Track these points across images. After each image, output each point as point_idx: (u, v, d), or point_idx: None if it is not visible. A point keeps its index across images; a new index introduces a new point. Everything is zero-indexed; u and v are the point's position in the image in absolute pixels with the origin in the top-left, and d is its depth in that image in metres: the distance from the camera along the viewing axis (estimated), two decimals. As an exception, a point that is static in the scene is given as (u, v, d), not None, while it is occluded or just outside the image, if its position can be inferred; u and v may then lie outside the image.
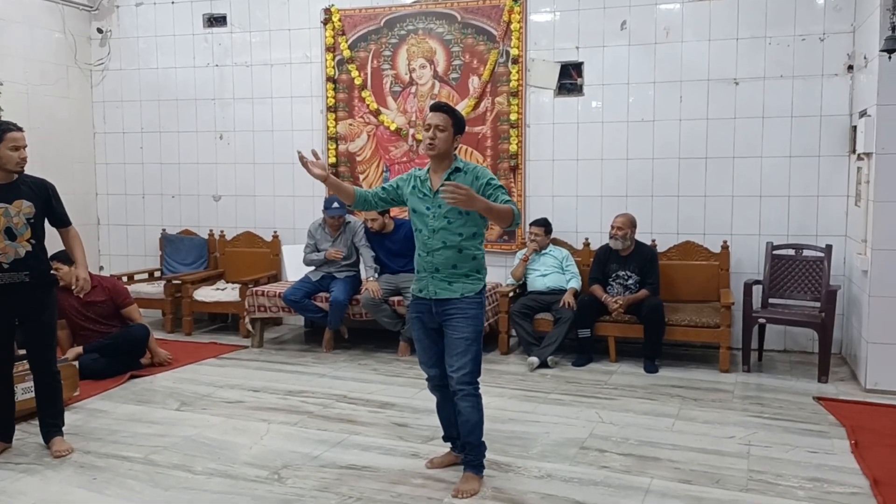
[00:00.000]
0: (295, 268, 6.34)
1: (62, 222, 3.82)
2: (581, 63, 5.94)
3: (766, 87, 5.56)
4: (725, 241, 5.66)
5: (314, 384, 4.95)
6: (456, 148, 3.27)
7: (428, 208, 3.23)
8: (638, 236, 5.53)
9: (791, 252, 5.40)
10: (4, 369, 3.74)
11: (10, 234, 3.58)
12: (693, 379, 5.01)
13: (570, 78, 5.99)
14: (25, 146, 3.61)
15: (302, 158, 3.23)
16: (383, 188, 3.40)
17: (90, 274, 4.04)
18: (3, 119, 3.81)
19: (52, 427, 3.81)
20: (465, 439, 3.28)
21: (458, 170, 3.24)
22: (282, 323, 6.80)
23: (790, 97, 5.52)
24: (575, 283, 5.62)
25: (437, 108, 3.25)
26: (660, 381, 4.96)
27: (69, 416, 4.04)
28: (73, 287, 3.82)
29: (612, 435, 3.92)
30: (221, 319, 6.93)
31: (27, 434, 3.93)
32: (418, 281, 3.30)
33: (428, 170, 3.32)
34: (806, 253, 5.34)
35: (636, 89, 5.85)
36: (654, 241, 5.76)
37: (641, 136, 5.86)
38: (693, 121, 5.73)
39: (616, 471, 3.45)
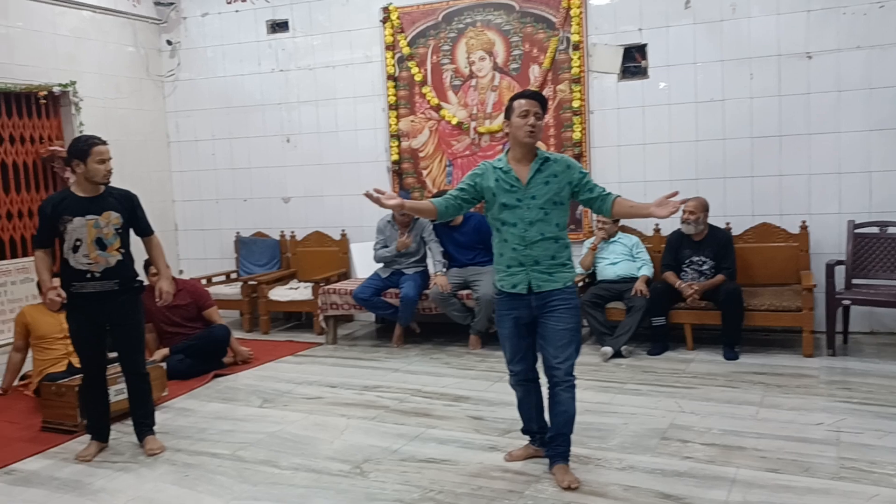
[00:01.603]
0: (364, 265, 6.43)
1: (145, 231, 3.96)
2: (645, 45, 5.83)
3: (841, 60, 5.33)
4: (804, 222, 5.47)
5: (388, 379, 5.02)
6: None
7: (519, 200, 3.15)
8: (711, 220, 5.39)
9: (875, 230, 5.17)
10: (98, 372, 3.93)
11: (101, 245, 3.73)
12: (775, 365, 4.86)
13: (633, 61, 5.88)
14: (110, 159, 3.77)
15: (371, 197, 3.08)
16: (462, 190, 3.26)
17: (174, 279, 4.18)
18: (86, 134, 3.97)
19: (144, 426, 3.98)
20: (561, 430, 3.23)
21: (547, 160, 3.19)
22: (353, 319, 6.92)
23: (867, 68, 5.27)
24: (647, 271, 5.52)
25: (533, 95, 3.20)
26: (740, 369, 4.83)
27: (159, 416, 4.21)
28: (157, 298, 3.96)
29: (693, 424, 3.84)
30: (296, 318, 7.10)
31: (122, 434, 4.12)
32: (511, 276, 3.19)
33: (505, 160, 3.24)
34: (891, 230, 5.11)
35: (703, 69, 5.70)
36: (728, 224, 5.61)
37: (710, 116, 5.70)
38: (764, 98, 5.55)
39: (700, 461, 3.39)
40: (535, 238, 3.13)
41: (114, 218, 3.76)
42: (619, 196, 3.18)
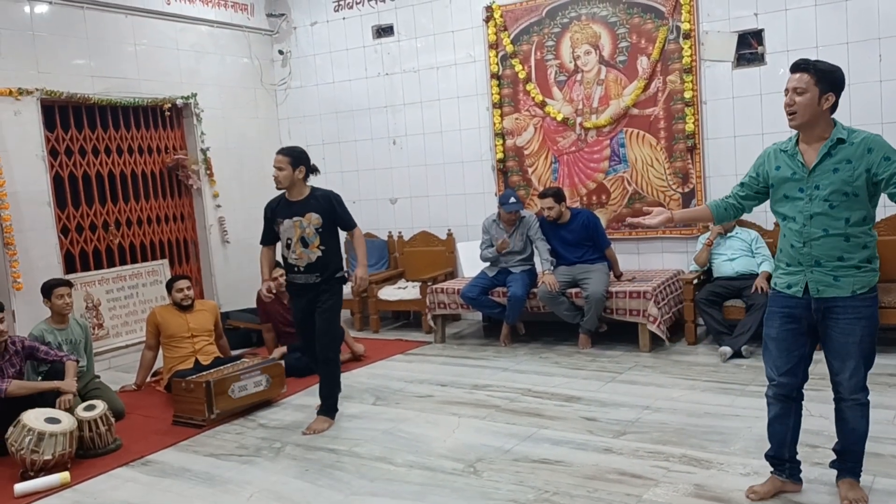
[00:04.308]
0: (470, 264, 6.46)
1: (346, 226, 4.36)
2: (761, 30, 5.54)
3: None
4: (945, 211, 5.05)
5: (498, 378, 5.02)
6: (831, 109, 2.73)
7: (801, 190, 2.75)
8: (837, 212, 5.07)
9: None
10: (307, 347, 4.43)
11: (304, 243, 4.21)
12: (914, 366, 4.52)
13: (749, 47, 5.61)
14: (277, 167, 4.24)
15: (645, 216, 2.92)
16: (742, 185, 2.92)
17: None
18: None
19: (322, 405, 4.34)
20: (848, 447, 2.95)
21: (841, 142, 2.71)
22: (460, 318, 6.96)
23: None
24: (768, 266, 5.25)
25: (795, 67, 2.75)
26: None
27: (278, 412, 4.39)
28: (353, 285, 4.38)
29: (824, 429, 3.61)
30: (404, 317, 7.22)
31: (246, 428, 4.33)
32: (788, 275, 2.84)
33: (795, 141, 2.82)
34: None
35: (826, 52, 5.35)
36: (856, 216, 5.26)
37: (835, 102, 5.36)
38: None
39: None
40: (817, 235, 2.73)
41: (314, 219, 4.19)
42: None
